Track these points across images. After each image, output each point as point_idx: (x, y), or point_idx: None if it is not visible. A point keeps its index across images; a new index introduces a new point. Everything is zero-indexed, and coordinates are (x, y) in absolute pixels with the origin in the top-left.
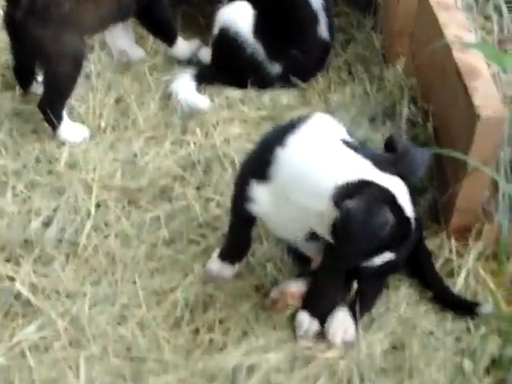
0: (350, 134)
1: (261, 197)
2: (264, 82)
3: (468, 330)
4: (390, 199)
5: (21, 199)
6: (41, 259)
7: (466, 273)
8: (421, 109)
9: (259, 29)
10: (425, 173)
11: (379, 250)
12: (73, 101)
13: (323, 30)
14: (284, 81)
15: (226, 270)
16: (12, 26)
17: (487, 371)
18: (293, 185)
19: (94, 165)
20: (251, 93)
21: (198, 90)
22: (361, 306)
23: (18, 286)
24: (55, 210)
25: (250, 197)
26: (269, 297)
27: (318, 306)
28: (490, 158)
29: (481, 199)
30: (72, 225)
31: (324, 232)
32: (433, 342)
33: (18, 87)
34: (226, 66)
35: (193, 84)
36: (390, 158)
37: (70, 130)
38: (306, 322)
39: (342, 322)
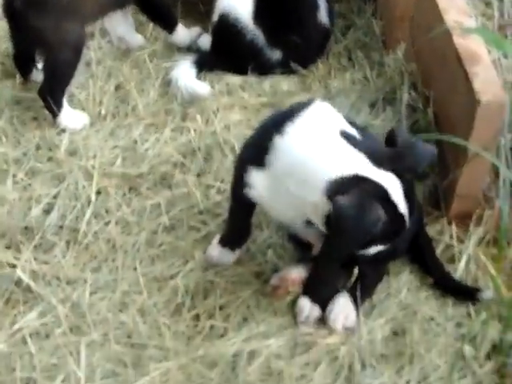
0: (350, 121)
1: (259, 183)
2: (264, 69)
3: (469, 315)
4: (382, 195)
5: (21, 186)
6: (41, 246)
7: (466, 258)
8: (421, 94)
9: (259, 15)
10: (427, 167)
11: (372, 243)
12: (73, 88)
13: (323, 16)
14: (284, 67)
15: (227, 257)
16: (12, 13)
17: (488, 356)
18: (289, 174)
19: (94, 152)
20: (251, 79)
21: (198, 76)
22: (362, 292)
23: (18, 272)
24: (56, 197)
25: (248, 183)
26: (269, 283)
27: (319, 292)
28: (491, 144)
29: (481, 185)
30: (72, 212)
31: (318, 222)
32: (433, 327)
33: (18, 75)
34: (226, 53)
35: (193, 71)
36: (389, 152)
37: (71, 117)
38: (307, 308)
39: (342, 307)
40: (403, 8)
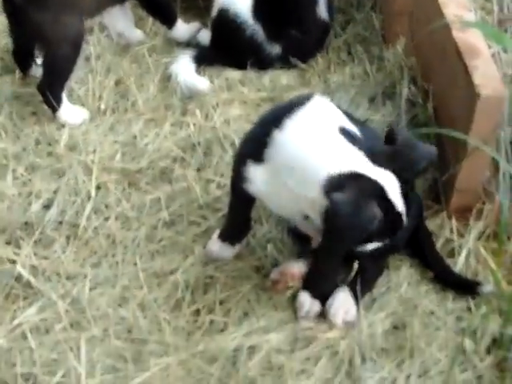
0: (350, 116)
1: (258, 177)
2: (264, 63)
3: (469, 309)
4: (379, 193)
5: (21, 182)
6: (41, 241)
7: (466, 252)
8: (421, 88)
9: (258, 10)
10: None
11: (369, 240)
12: (72, 83)
13: (322, 11)
14: (284, 62)
15: (227, 251)
16: (11, 8)
17: (488, 350)
18: (287, 169)
19: (93, 147)
20: (251, 74)
21: (198, 71)
22: (362, 287)
23: (18, 268)
24: (55, 193)
25: (247, 177)
26: (269, 277)
27: (319, 286)
28: (490, 138)
29: (481, 179)
30: (72, 207)
31: (316, 217)
32: (434, 321)
33: (17, 70)
34: (226, 48)
35: (192, 66)
36: (387, 150)
37: (70, 112)
38: (307, 302)
39: (343, 302)
40: (402, 2)
